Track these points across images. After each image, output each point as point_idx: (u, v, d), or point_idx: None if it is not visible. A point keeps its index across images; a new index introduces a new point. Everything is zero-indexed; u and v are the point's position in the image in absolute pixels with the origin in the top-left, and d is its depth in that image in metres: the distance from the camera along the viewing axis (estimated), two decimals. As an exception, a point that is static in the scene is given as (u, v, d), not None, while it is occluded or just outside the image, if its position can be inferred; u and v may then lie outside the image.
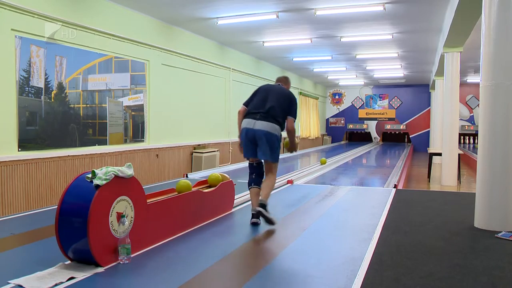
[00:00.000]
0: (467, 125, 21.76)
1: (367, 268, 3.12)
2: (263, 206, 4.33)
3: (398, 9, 8.73)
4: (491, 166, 4.38)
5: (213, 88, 12.00)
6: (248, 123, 4.53)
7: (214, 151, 11.11)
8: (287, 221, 4.77)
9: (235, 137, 12.92)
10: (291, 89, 5.06)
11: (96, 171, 3.17)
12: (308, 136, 20.65)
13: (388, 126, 24.04)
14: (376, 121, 24.17)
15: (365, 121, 24.34)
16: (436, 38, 11.53)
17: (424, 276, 3.02)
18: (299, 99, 19.54)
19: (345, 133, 24.93)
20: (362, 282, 2.85)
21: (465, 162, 13.56)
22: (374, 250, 3.56)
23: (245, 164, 10.92)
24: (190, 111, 10.74)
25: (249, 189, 4.73)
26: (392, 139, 23.92)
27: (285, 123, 4.60)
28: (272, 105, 4.49)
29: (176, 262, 3.34)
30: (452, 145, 10.32)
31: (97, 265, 3.07)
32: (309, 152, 16.39)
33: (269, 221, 4.33)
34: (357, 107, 24.39)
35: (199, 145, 10.91)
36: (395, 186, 7.19)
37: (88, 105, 7.61)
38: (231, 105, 12.86)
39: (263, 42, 12.07)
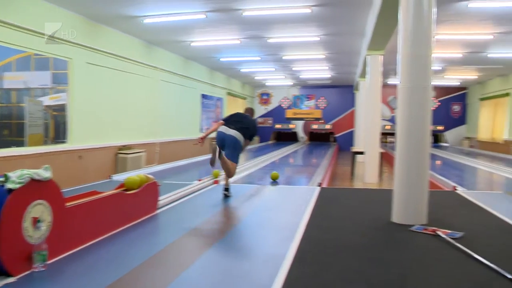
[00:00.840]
0: (389, 125, 22.71)
1: (290, 265, 3.19)
2: (226, 189, 6.25)
3: (324, 12, 8.97)
4: (408, 163, 4.61)
5: (140, 88, 11.77)
6: (223, 129, 6.35)
7: (140, 152, 10.91)
8: (212, 221, 4.78)
9: (163, 137, 12.80)
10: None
11: (10, 174, 3.02)
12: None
13: (314, 126, 24.65)
14: (303, 121, 24.69)
15: (292, 121, 24.79)
16: (360, 41, 11.95)
17: (342, 270, 3.14)
18: (226, 99, 19.60)
19: (273, 133, 25.26)
20: (284, 279, 2.91)
21: (387, 160, 14.15)
22: (297, 248, 3.64)
23: (171, 165, 10.80)
24: (116, 111, 10.48)
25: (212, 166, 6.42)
26: (318, 139, 24.53)
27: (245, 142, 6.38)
28: (243, 126, 6.36)
29: (97, 267, 3.26)
30: (374, 144, 10.74)
31: (8, 274, 2.90)
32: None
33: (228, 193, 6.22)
34: (285, 107, 24.79)
35: (124, 146, 10.67)
36: (319, 184, 7.38)
37: (3, 105, 7.22)
38: (159, 105, 12.68)
39: (191, 42, 11.98)
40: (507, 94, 18.14)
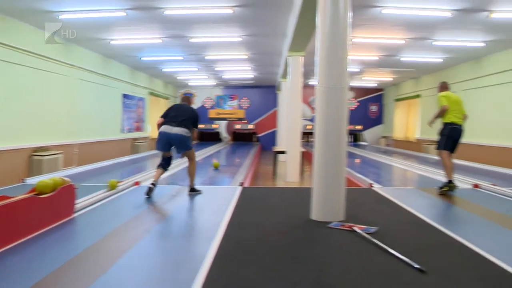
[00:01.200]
0: (310, 125, 23.28)
1: (210, 265, 3.19)
2: (192, 190, 6.46)
3: (246, 13, 9.05)
4: (325, 162, 4.76)
5: (57, 87, 11.23)
6: (166, 128, 6.25)
7: (57, 153, 10.45)
8: (132, 224, 4.68)
9: (82, 138, 12.33)
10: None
11: None
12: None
13: (237, 126, 24.79)
14: (226, 121, 24.76)
15: (215, 121, 24.78)
16: (281, 42, 12.17)
17: (261, 268, 3.19)
18: (149, 99, 19.24)
19: (196, 133, 25.07)
20: (204, 280, 2.91)
21: (308, 159, 14.49)
22: (218, 247, 3.65)
23: (92, 167, 10.44)
24: (29, 111, 9.92)
25: (156, 168, 6.51)
26: (242, 139, 24.69)
27: (192, 131, 6.41)
28: (183, 118, 6.30)
29: (7, 275, 3.08)
30: (295, 143, 10.97)
31: None
32: (159, 153, 16.14)
33: (197, 192, 6.45)
34: (208, 108, 24.73)
35: (40, 147, 10.17)
36: (241, 184, 7.43)
37: None
38: (78, 105, 12.21)
39: (111, 40, 11.64)
40: (418, 96, 19.21)
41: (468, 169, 10.52)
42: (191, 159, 6.52)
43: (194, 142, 6.76)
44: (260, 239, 3.98)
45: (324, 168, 4.75)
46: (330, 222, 4.55)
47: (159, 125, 6.37)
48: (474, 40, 11.28)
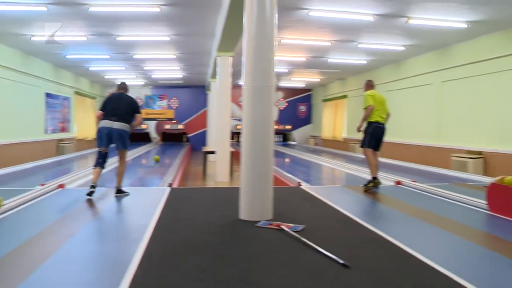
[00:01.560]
0: (241, 125, 23.38)
1: (136, 268, 3.13)
2: (119, 191, 6.29)
3: (173, 12, 8.94)
4: (253, 162, 4.79)
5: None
6: (107, 123, 6.14)
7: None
8: (54, 228, 4.48)
9: (-2, 139, 11.68)
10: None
11: None
12: (85, 138, 19.69)
13: (167, 126, 24.47)
14: (156, 121, 24.36)
15: (144, 121, 24.30)
16: (210, 42, 12.13)
17: (189, 269, 3.16)
18: (74, 98, 18.57)
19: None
20: (130, 283, 2.85)
21: (238, 159, 14.51)
22: (144, 250, 3.58)
23: (11, 170, 9.96)
24: None
25: (94, 168, 6.27)
26: (172, 139, 24.38)
27: (134, 118, 6.37)
28: (123, 112, 6.23)
29: None
30: (225, 143, 10.98)
31: None
32: (86, 154, 15.69)
33: (125, 194, 6.31)
34: (137, 107, 24.20)
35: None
36: (170, 185, 7.34)
37: None
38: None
39: (31, 36, 11.09)
40: (345, 96, 19.82)
41: (391, 167, 10.97)
42: (122, 158, 6.44)
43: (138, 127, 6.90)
44: (188, 240, 3.94)
45: (252, 168, 4.78)
46: (258, 221, 4.58)
47: (98, 118, 6.26)
48: (395, 44, 11.82)
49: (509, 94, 9.73)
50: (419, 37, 10.88)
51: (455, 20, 9.20)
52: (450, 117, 11.93)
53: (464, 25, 9.45)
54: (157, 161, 13.04)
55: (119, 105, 6.27)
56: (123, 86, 6.68)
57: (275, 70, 4.83)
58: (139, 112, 6.49)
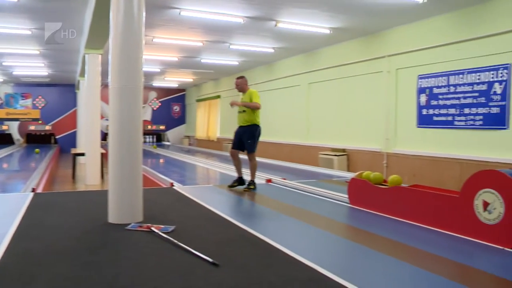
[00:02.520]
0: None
1: (-11, 282, 2.88)
2: None
3: (34, 3, 8.32)
4: (120, 163, 4.64)
5: None
6: None
7: None
8: None
9: None
10: None
11: None
12: None
13: (32, 127, 22.83)
14: (19, 122, 22.60)
15: (5, 122, 22.42)
16: (78, 39, 11.52)
17: (51, 279, 2.98)
18: None
19: None
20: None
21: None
22: None
23: None
24: None
25: None
26: (38, 141, 22.82)
27: None
28: None
29: None
30: (95, 144, 10.56)
31: None
32: None
33: None
34: (-5, 107, 22.29)
35: None
36: (33, 190, 6.86)
37: None
38: None
39: None
40: (218, 96, 20.08)
41: (263, 166, 11.31)
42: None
43: None
44: (50, 248, 3.71)
45: (120, 169, 4.64)
46: (128, 224, 4.46)
47: None
48: (265, 46, 12.24)
49: (368, 96, 10.56)
50: (288, 40, 11.38)
51: (319, 26, 9.77)
52: (317, 117, 12.65)
53: (327, 31, 10.07)
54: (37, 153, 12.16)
55: None
56: None
57: (146, 69, 4.74)
58: None
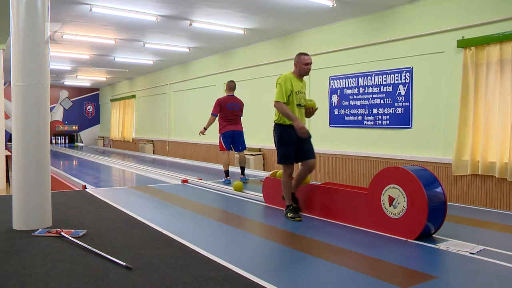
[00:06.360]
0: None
1: None
2: None
3: None
4: (26, 166, 4.37)
5: None
6: None
7: None
8: None
9: None
10: None
11: None
12: None
13: None
14: None
15: None
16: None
17: None
18: None
19: None
20: None
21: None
22: None
23: None
24: None
25: None
26: None
27: None
28: None
29: None
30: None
31: None
32: None
33: None
34: None
35: None
36: None
37: None
38: None
39: None
40: (133, 96, 19.61)
41: (179, 166, 11.21)
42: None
43: None
44: None
45: (24, 173, 4.37)
46: (35, 230, 4.23)
47: None
48: (179, 45, 12.13)
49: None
50: (203, 40, 11.34)
51: (233, 26, 9.82)
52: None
53: (241, 32, 10.15)
54: None
55: None
56: None
57: (54, 67, 4.51)
58: None
